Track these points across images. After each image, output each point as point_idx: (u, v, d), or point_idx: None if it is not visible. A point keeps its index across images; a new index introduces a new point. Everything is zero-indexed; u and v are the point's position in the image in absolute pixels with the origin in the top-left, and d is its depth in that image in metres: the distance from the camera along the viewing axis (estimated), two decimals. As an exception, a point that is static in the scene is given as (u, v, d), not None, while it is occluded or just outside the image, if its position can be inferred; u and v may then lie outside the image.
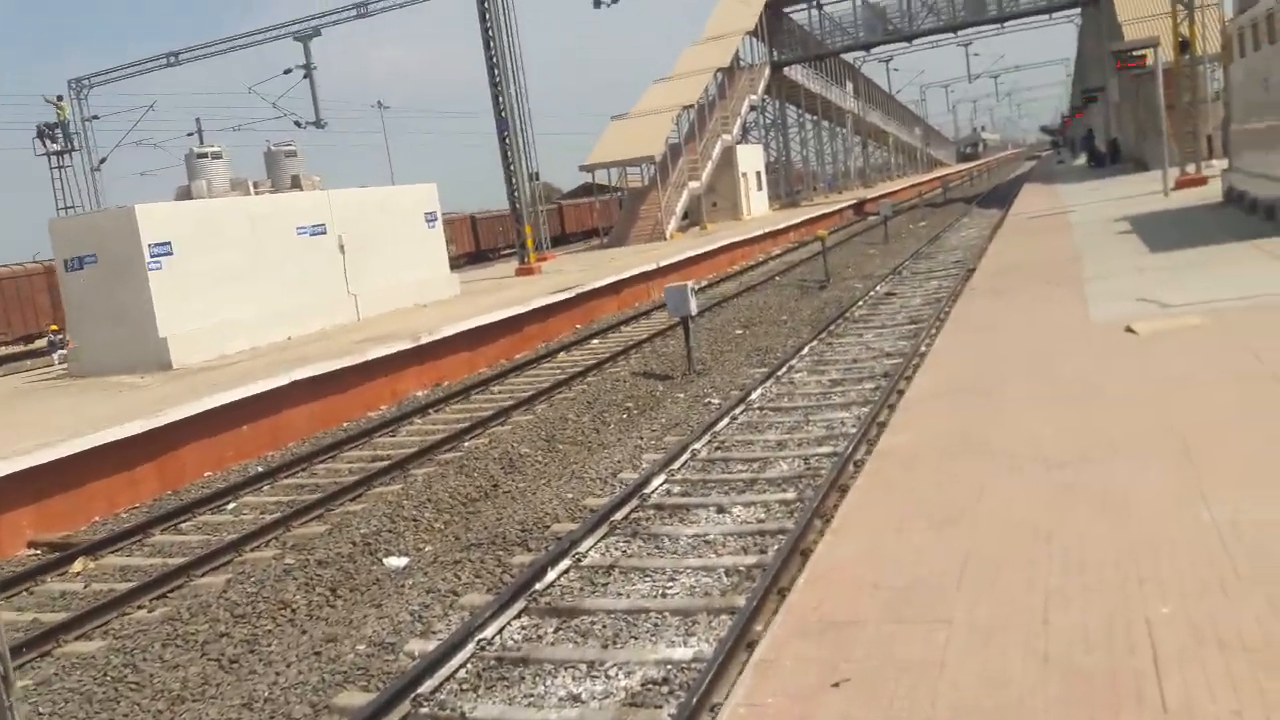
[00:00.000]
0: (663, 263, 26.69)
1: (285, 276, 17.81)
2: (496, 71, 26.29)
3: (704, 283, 27.69)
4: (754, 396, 12.39)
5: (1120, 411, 5.97)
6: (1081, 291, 10.73)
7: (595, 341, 19.10)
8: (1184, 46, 25.93)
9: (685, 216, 45.06)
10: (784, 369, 14.17)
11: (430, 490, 9.69)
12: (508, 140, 26.22)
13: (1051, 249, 16.01)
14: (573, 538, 7.53)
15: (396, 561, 7.84)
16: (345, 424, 13.97)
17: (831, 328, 16.96)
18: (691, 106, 41.94)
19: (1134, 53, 25.71)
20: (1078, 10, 52.25)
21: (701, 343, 17.59)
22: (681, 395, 13.14)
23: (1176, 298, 9.41)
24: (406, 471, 10.89)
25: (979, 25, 50.26)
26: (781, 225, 38.25)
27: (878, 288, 21.46)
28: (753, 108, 49.26)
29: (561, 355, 17.91)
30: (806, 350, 15.32)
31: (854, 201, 50.98)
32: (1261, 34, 14.90)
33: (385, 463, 11.28)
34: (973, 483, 5.45)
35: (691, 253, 29.40)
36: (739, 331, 18.64)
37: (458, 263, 45.40)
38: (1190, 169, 25.08)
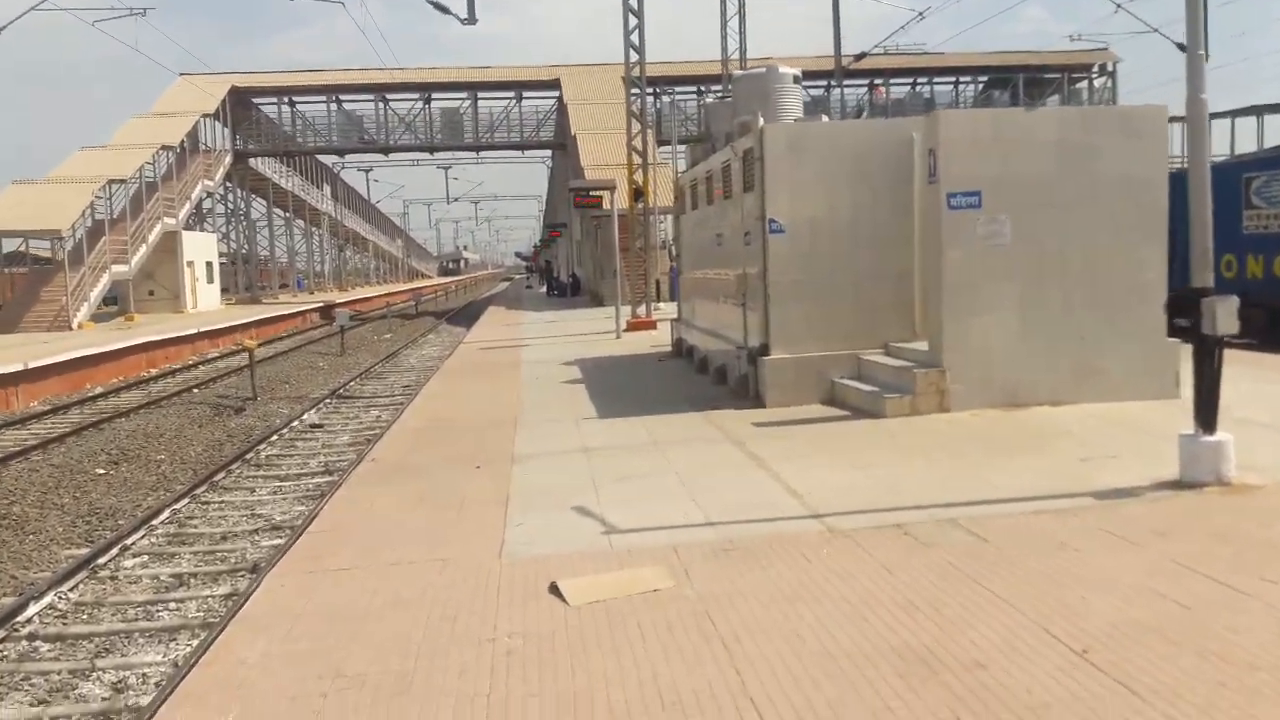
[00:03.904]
0: (36, 363, 20.04)
1: None
2: None
3: (98, 390, 21.40)
4: (34, 611, 7.54)
5: None
6: (507, 486, 7.38)
7: None
8: (637, 195, 25.66)
9: (114, 303, 37.48)
10: (118, 549, 9.36)
11: None
12: None
13: (492, 399, 12.90)
14: None
15: None
16: None
17: (220, 476, 12.37)
18: (127, 180, 34.93)
19: (591, 192, 24.96)
20: (549, 152, 53.51)
21: (34, 488, 12.16)
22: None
23: (627, 515, 6.37)
24: None
25: (455, 150, 49.01)
26: (224, 325, 32.43)
27: (307, 414, 17.19)
28: (209, 194, 42.95)
29: None
30: (168, 513, 10.58)
31: (322, 305, 46.30)
32: (715, 187, 13.53)
33: None
34: None
35: (90, 350, 22.86)
36: (100, 472, 13.31)
37: None
38: (641, 311, 24.42)
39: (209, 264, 41.52)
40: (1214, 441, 6.24)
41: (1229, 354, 8.08)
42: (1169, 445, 6.58)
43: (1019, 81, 49.52)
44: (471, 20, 24.22)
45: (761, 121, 11.01)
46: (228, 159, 44.02)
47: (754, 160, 10.88)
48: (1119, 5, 25.65)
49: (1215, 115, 41.73)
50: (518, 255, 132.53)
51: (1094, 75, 50.55)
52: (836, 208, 10.62)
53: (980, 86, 52.83)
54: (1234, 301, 6.14)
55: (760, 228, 10.72)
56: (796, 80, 13.33)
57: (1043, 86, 50.62)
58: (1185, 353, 9.52)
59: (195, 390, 21.11)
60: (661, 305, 27.02)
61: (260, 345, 30.13)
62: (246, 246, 50.97)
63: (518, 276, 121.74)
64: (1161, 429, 7.60)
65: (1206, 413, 6.22)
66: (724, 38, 29.93)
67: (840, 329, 10.63)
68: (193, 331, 29.30)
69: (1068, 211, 9.40)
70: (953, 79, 52.07)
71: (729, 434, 9.01)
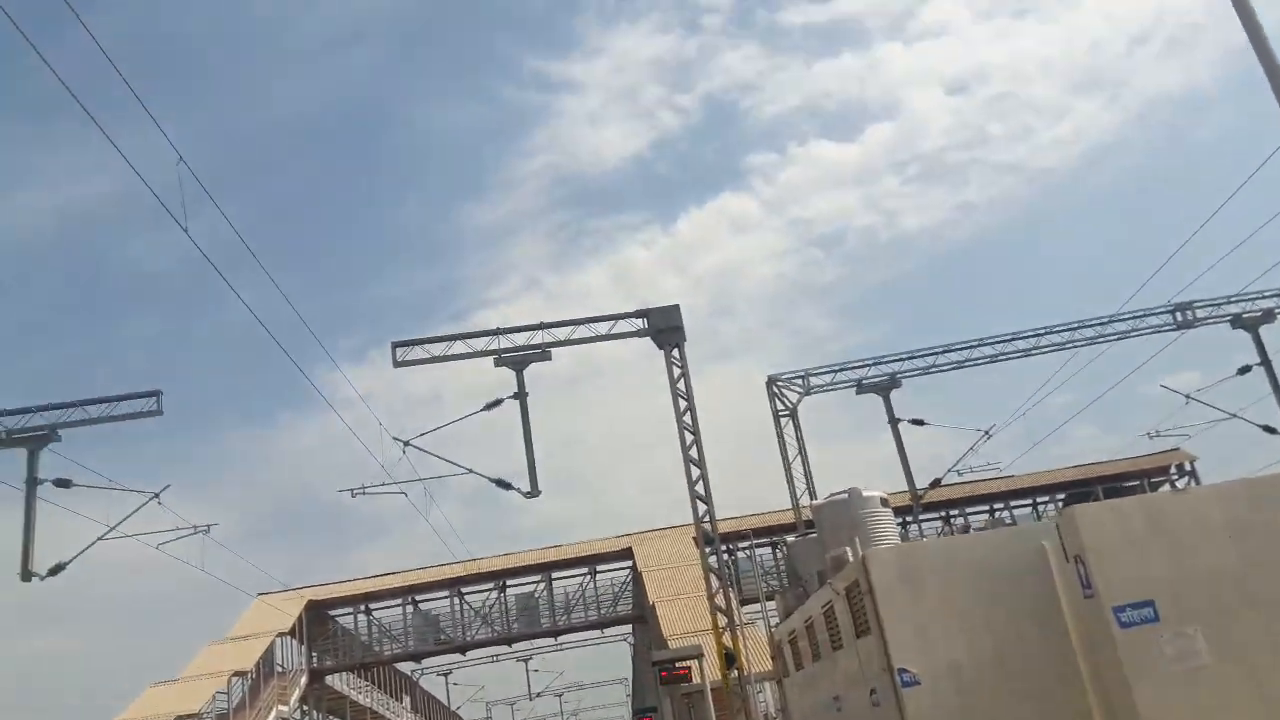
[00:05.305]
0: None
1: None
2: None
3: None
4: None
5: None
6: None
7: None
8: (729, 660, 23.42)
9: None
10: None
11: None
12: None
13: None
14: None
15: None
16: None
17: None
18: (199, 714, 33.47)
19: (678, 664, 22.79)
20: (629, 627, 51.52)
21: None
22: None
23: None
24: None
25: (533, 638, 47.34)
26: None
27: None
28: (284, 719, 40.92)
29: None
30: None
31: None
32: (819, 637, 11.69)
33: None
34: None
35: None
36: None
37: None
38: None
39: (274, 800, 38.32)
40: None
41: None
42: None
43: (1099, 494, 48.06)
44: (535, 493, 23.90)
45: (860, 549, 9.56)
46: (303, 679, 42.55)
47: (861, 595, 9.27)
48: (1189, 397, 24.95)
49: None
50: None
51: (1174, 477, 49.09)
52: (976, 644, 8.76)
53: (1060, 505, 51.39)
54: None
55: (888, 681, 8.79)
56: (884, 503, 12.08)
57: (1125, 496, 49.08)
58: None
59: None
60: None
61: None
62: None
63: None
64: None
65: None
66: (790, 478, 29.44)
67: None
68: None
69: (1274, 608, 7.46)
70: (1029, 500, 50.79)
71: None
